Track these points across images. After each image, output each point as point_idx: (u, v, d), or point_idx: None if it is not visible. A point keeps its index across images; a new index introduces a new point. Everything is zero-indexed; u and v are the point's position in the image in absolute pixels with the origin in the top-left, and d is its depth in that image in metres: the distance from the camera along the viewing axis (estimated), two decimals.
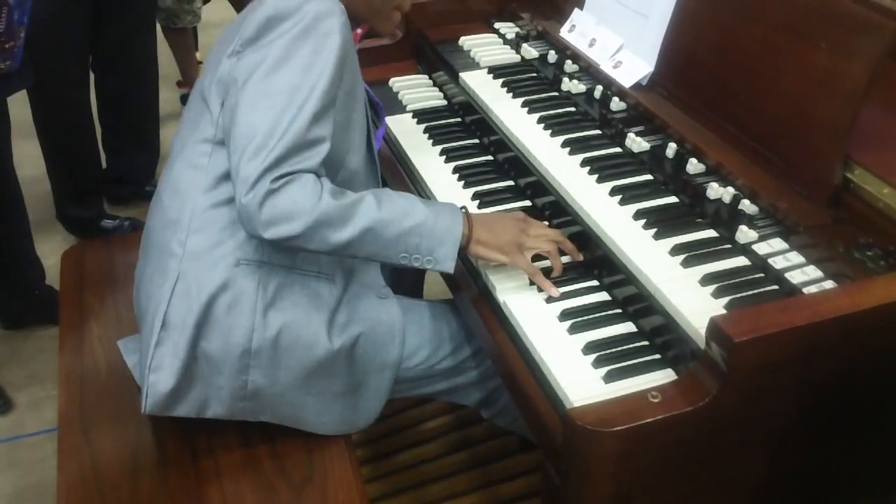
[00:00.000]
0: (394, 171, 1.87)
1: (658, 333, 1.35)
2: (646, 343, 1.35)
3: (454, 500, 1.96)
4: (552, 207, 1.65)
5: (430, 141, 1.92)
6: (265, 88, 1.38)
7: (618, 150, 1.68)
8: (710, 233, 1.44)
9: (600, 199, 1.55)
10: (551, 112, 1.82)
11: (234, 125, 1.39)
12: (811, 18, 1.42)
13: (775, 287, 1.31)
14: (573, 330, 1.38)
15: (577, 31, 1.97)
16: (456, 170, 1.80)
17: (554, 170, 1.64)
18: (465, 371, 1.69)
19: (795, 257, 1.33)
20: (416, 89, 2.13)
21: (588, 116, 1.80)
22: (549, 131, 1.75)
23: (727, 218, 1.45)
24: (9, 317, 2.78)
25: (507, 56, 2.08)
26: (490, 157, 1.86)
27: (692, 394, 1.13)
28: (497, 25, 2.23)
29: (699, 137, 1.59)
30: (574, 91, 1.86)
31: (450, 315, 1.68)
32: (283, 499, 1.48)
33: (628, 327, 1.39)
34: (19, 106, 2.69)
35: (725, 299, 1.29)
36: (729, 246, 1.41)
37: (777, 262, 1.33)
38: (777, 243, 1.37)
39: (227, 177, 1.47)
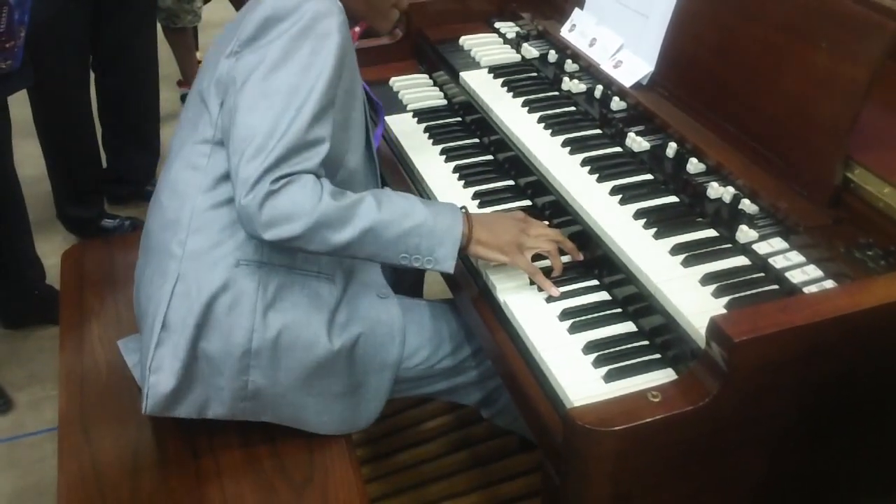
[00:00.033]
0: (394, 170, 1.87)
1: (658, 333, 1.34)
2: (646, 343, 1.35)
3: (454, 500, 1.96)
4: (552, 207, 1.65)
5: (431, 140, 1.92)
6: (264, 89, 1.38)
7: (618, 149, 1.68)
8: (711, 232, 1.44)
9: (600, 199, 1.55)
10: (551, 112, 1.82)
11: (234, 126, 1.39)
12: (811, 18, 1.42)
13: (775, 287, 1.30)
14: (573, 329, 1.38)
15: (578, 30, 1.97)
16: (456, 169, 1.80)
17: (554, 169, 1.64)
18: (465, 371, 1.68)
19: (796, 257, 1.33)
20: (416, 89, 2.13)
21: (588, 116, 1.80)
22: (550, 131, 1.75)
23: (727, 217, 1.45)
24: (9, 317, 2.77)
25: (508, 56, 2.08)
26: (490, 157, 1.86)
27: (692, 394, 1.13)
28: (497, 25, 2.23)
29: (699, 137, 1.59)
30: (574, 91, 1.86)
31: (450, 315, 1.68)
32: (284, 498, 1.48)
33: (628, 327, 1.39)
34: (19, 106, 2.69)
35: (725, 299, 1.29)
36: (729, 245, 1.41)
37: (777, 262, 1.32)
38: (777, 243, 1.37)
39: (226, 177, 1.47)
